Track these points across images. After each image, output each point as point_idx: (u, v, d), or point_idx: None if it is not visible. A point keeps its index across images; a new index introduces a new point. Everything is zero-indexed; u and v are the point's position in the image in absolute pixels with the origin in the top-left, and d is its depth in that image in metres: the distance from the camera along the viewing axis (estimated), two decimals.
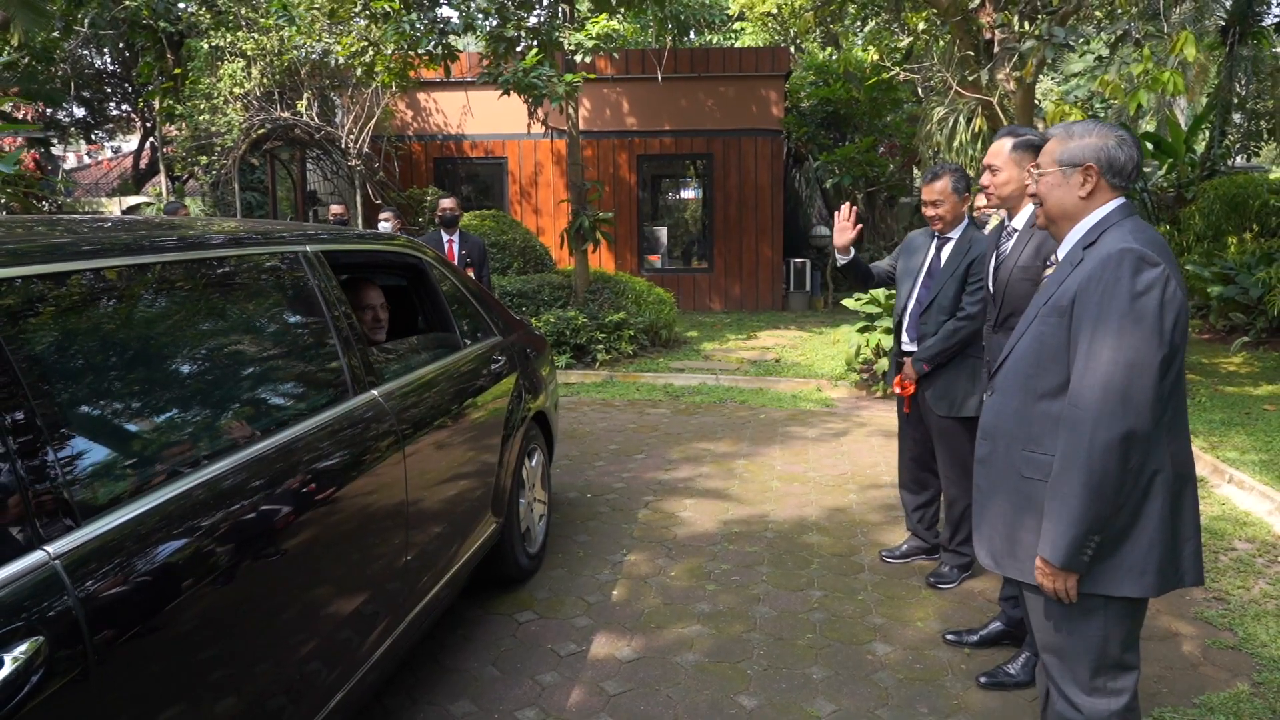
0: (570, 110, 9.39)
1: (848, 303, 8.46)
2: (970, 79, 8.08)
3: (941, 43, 9.87)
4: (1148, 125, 12.72)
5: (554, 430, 4.45)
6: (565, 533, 4.43)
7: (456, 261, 7.67)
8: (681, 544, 4.26)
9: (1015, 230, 2.99)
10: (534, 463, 4.00)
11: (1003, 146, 2.93)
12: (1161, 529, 1.90)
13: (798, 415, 7.21)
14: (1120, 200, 1.99)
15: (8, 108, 11.74)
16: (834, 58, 15.09)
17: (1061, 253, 2.06)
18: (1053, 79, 16.70)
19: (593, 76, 9.50)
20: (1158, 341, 1.80)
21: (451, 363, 3.26)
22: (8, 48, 11.17)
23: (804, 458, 5.86)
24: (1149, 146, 6.90)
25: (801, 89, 14.99)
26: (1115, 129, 2.00)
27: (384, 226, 7.51)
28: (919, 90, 14.59)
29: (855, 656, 3.14)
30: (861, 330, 7.96)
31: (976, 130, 10.79)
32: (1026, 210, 2.94)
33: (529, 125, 10.25)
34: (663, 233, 14.52)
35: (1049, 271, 2.17)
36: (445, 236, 7.35)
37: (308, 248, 2.56)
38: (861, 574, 3.89)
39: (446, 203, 7.30)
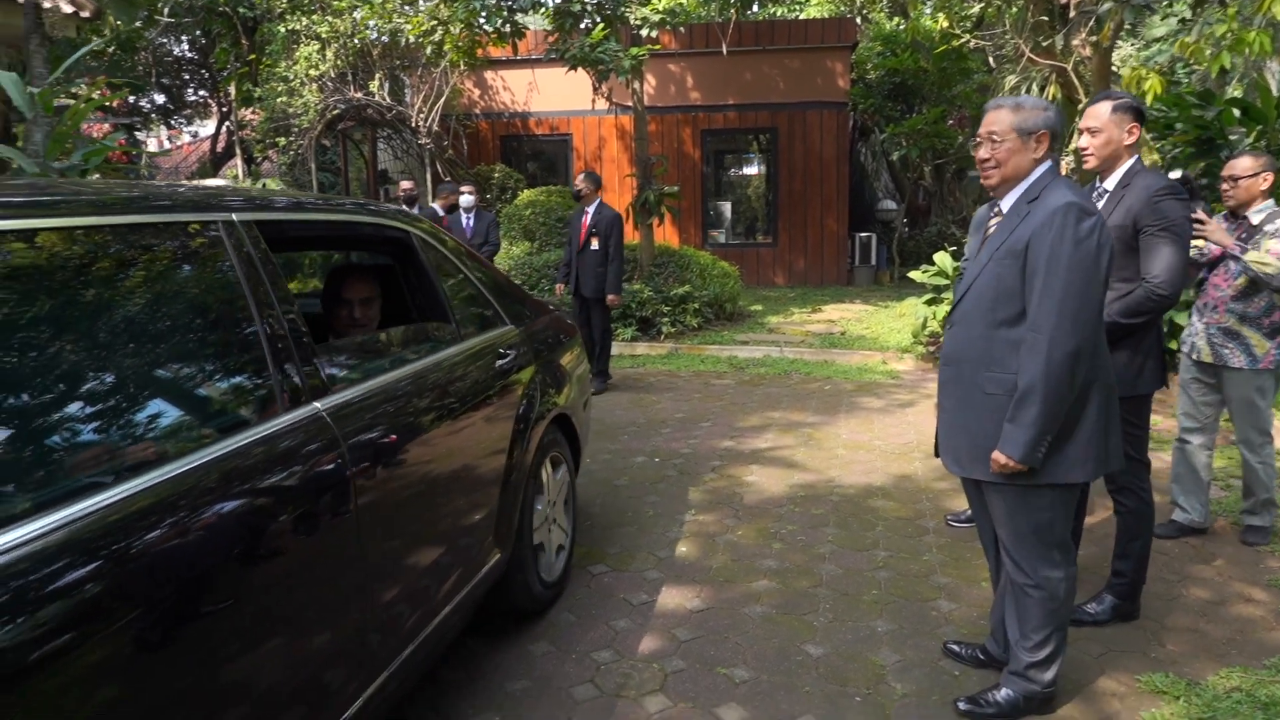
0: (635, 85, 9.46)
1: (914, 275, 8.39)
2: (1044, 45, 7.90)
3: (1014, 8, 9.64)
4: (1234, 91, 12.20)
5: (582, 433, 3.79)
6: (635, 494, 4.56)
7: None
8: (748, 506, 4.36)
9: (1106, 191, 2.98)
10: (554, 475, 3.39)
11: (1103, 109, 2.93)
12: (1096, 427, 2.35)
13: (863, 386, 7.22)
14: (1050, 162, 2.39)
15: (96, 95, 12.29)
16: (901, 27, 14.80)
17: (1005, 206, 2.44)
18: (1133, 44, 16.13)
19: (658, 48, 9.55)
20: (1096, 277, 2.24)
21: (438, 362, 2.60)
22: (96, 38, 11.69)
23: (870, 427, 5.88)
24: (1235, 113, 6.65)
25: (868, 60, 14.76)
26: (1049, 104, 2.39)
27: (465, 201, 7.70)
28: (990, 59, 14.24)
29: (920, 612, 3.20)
30: (928, 302, 7.90)
31: (1051, 98, 10.52)
32: (1119, 171, 2.93)
33: (594, 101, 10.37)
34: (727, 207, 14.52)
35: (994, 221, 2.49)
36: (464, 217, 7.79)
37: (234, 216, 1.97)
38: (926, 536, 3.94)
39: (465, 189, 8.08)
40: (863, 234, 14.10)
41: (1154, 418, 5.91)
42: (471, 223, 7.69)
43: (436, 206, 7.45)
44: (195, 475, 1.58)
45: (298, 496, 1.79)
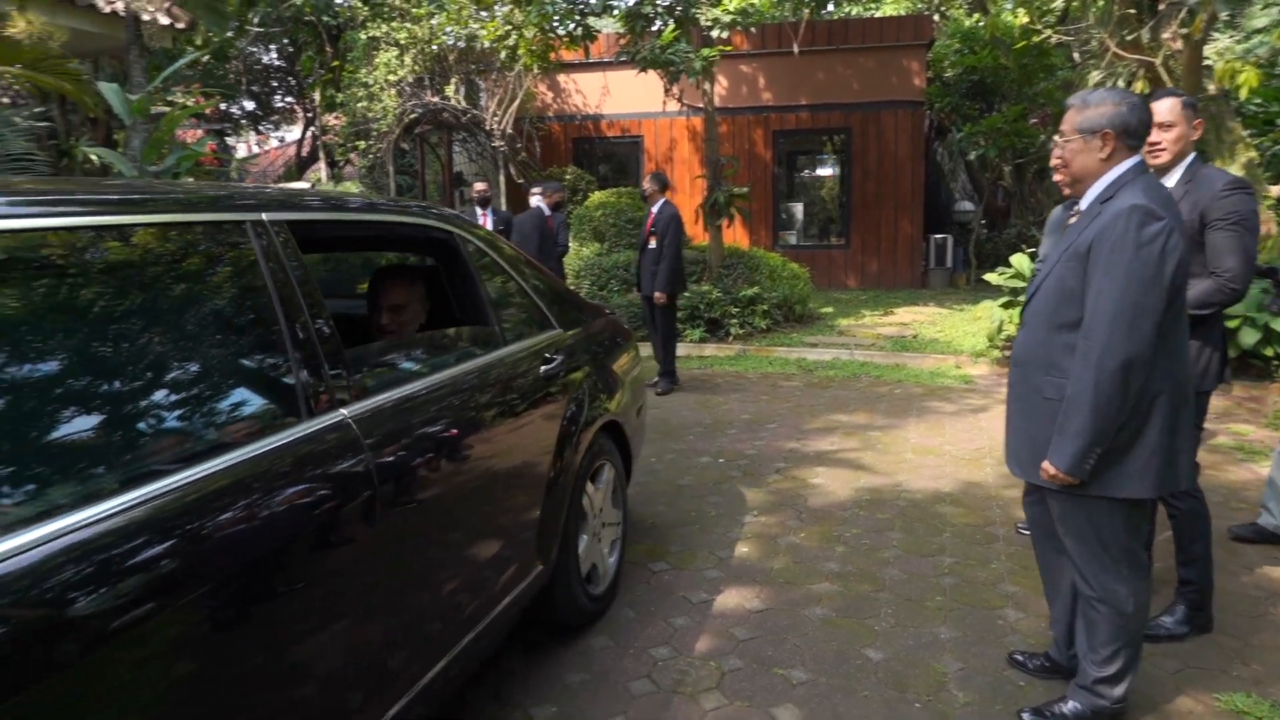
0: (706, 86, 9.46)
1: (990, 277, 8.19)
2: (1130, 39, 7.63)
3: (1100, 1, 9.32)
4: None
5: (634, 442, 3.63)
6: (698, 494, 4.57)
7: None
8: (812, 509, 4.33)
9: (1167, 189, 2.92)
10: (601, 483, 3.25)
11: (1175, 104, 2.91)
12: (1161, 442, 2.24)
13: (935, 391, 7.08)
14: (1134, 160, 2.27)
15: (191, 103, 12.88)
16: (981, 23, 14.45)
17: (1083, 205, 2.34)
18: (1231, 37, 15.43)
19: (730, 49, 9.53)
20: (1157, 285, 2.13)
21: (478, 367, 2.50)
22: (190, 48, 12.24)
23: (940, 432, 5.77)
24: None
25: (945, 57, 14.45)
26: (1127, 95, 2.27)
27: (534, 201, 7.81)
28: (1074, 55, 13.80)
29: (985, 620, 3.14)
30: (1004, 305, 7.71)
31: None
32: (1180, 168, 2.91)
33: (664, 103, 10.42)
34: (798, 209, 14.40)
35: (1072, 220, 2.40)
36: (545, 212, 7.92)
37: (264, 215, 1.91)
38: (995, 544, 3.85)
39: (479, 185, 8.57)
40: (938, 236, 13.82)
41: (1245, 427, 5.65)
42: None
43: (542, 204, 7.52)
44: (203, 484, 1.49)
45: (315, 507, 1.70)
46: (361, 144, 12.53)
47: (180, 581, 1.39)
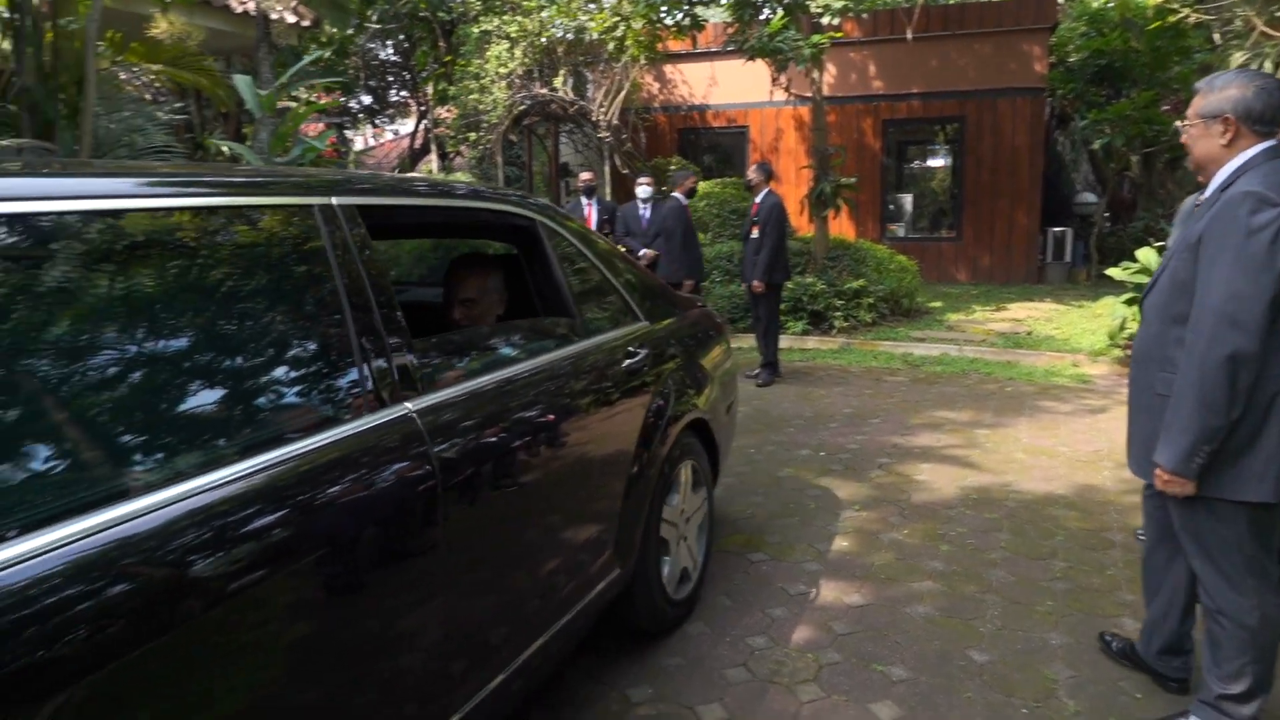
0: (815, 75, 9.30)
1: (1113, 272, 7.79)
2: None
3: None
4: None
5: (721, 440, 3.45)
6: (798, 486, 4.52)
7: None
8: (916, 505, 4.22)
9: None
10: (686, 484, 3.10)
11: None
12: None
13: (1049, 390, 6.79)
14: (1264, 145, 2.15)
15: (314, 99, 13.48)
16: (1110, 4, 13.70)
17: (1206, 194, 2.26)
18: None
19: (840, 35, 9.33)
20: (1267, 274, 2.01)
21: (554, 360, 2.38)
22: (314, 45, 12.80)
23: (1054, 432, 5.53)
24: None
25: (1069, 41, 13.77)
26: (1256, 77, 2.16)
27: (643, 192, 7.85)
28: (1214, 35, 12.94)
29: (1100, 629, 2.99)
30: (1128, 302, 7.32)
31: None
32: None
33: (771, 92, 10.31)
34: (907, 200, 14.01)
35: (1196, 209, 2.32)
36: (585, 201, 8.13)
37: (333, 200, 1.82)
38: (1112, 550, 3.67)
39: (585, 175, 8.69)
40: (1057, 229, 13.22)
41: None
42: (648, 213, 7.84)
43: (679, 196, 7.54)
44: (254, 479, 1.41)
45: (373, 506, 1.62)
46: (472, 135, 12.86)
47: (221, 584, 1.30)
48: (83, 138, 5.23)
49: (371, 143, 27.82)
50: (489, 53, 12.16)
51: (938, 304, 10.70)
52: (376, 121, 23.54)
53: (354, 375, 1.70)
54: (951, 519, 4.04)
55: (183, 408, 1.39)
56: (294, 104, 9.13)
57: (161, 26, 8.20)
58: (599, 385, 2.54)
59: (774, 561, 3.58)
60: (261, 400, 1.53)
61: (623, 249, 7.82)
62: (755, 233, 6.94)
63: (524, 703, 2.33)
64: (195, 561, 1.28)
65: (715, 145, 14.63)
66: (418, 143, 20.77)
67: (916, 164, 14.52)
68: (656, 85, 14.17)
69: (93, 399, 1.28)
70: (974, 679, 2.69)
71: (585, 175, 8.57)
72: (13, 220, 1.27)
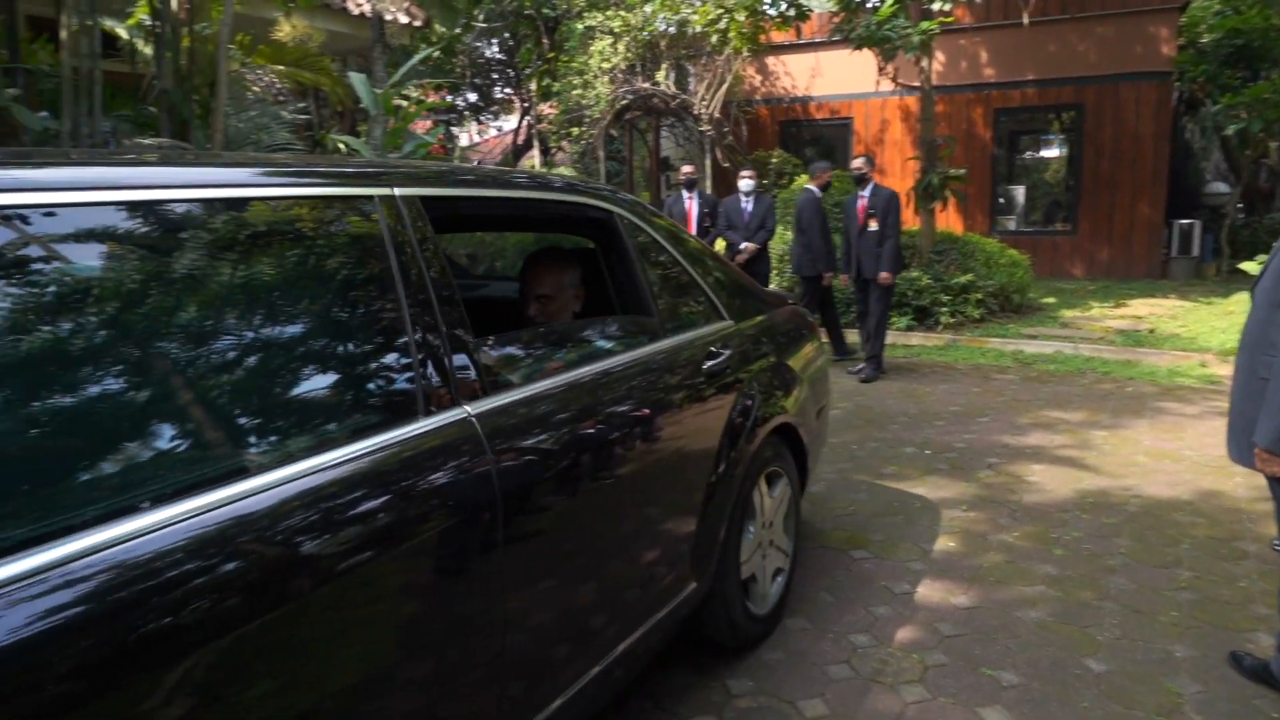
0: (924, 63, 9.05)
1: (1247, 266, 7.32)
2: None
3: None
4: None
5: (810, 446, 3.24)
6: (902, 484, 4.43)
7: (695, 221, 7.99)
8: (1027, 507, 4.07)
9: None
10: (770, 493, 2.92)
11: None
12: None
13: (1173, 390, 6.44)
14: None
15: (425, 98, 13.92)
16: None
17: None
18: None
19: (950, 20, 9.04)
20: None
21: (629, 361, 2.25)
22: (424, 45, 13.20)
23: (1179, 435, 5.24)
24: None
25: (1201, 21, 12.96)
26: None
27: (745, 185, 7.81)
28: None
29: (1230, 643, 2.83)
30: None
31: None
32: None
33: (877, 82, 10.07)
34: (1019, 192, 13.48)
35: None
36: (685, 195, 8.05)
37: (395, 190, 1.73)
38: (1244, 561, 3.46)
39: (687, 168, 8.50)
40: (1183, 221, 12.48)
41: None
42: (750, 207, 7.78)
43: (813, 187, 7.47)
44: (301, 484, 1.33)
45: (425, 516, 1.52)
46: (575, 130, 13.02)
47: (246, 604, 1.22)
48: (214, 136, 5.54)
49: (476, 139, 28.52)
50: (592, 48, 12.29)
51: (1051, 300, 10.27)
52: (481, 118, 24.13)
53: (409, 376, 1.60)
54: (1066, 522, 3.88)
55: (227, 415, 1.32)
56: (405, 102, 9.44)
57: (285, 30, 8.60)
58: (676, 387, 2.38)
59: (877, 559, 3.52)
60: (305, 403, 1.43)
61: (724, 243, 7.88)
62: (873, 225, 6.84)
63: (622, 692, 2.35)
64: (222, 570, 1.21)
65: (818, 137, 14.40)
66: (520, 138, 21.18)
67: (1029, 155, 13.94)
68: (758, 77, 14.05)
69: (199, 383, 1.29)
70: (1090, 689, 2.58)
71: (687, 168, 8.56)
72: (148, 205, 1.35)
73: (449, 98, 19.56)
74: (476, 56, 20.09)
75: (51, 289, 1.19)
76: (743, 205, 7.82)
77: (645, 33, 11.98)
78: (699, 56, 12.41)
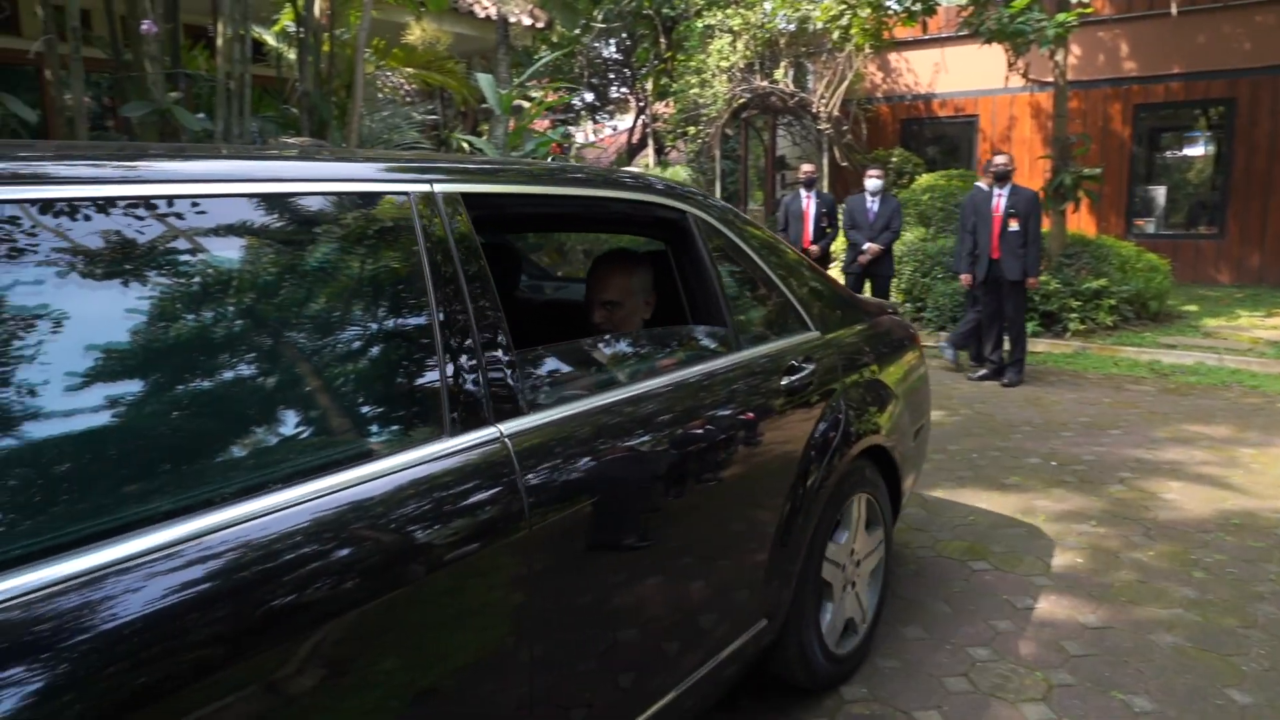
0: (1058, 58, 8.65)
1: None
2: None
3: None
4: None
5: (905, 470, 2.94)
6: (1025, 495, 4.25)
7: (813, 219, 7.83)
8: (1162, 525, 3.85)
9: None
10: (856, 521, 2.65)
11: None
12: None
13: None
14: None
15: (547, 98, 14.23)
16: None
17: None
18: None
19: (1089, 12, 8.60)
20: None
21: (695, 376, 2.04)
22: (545, 46, 13.48)
23: None
24: None
25: None
26: None
27: (872, 185, 7.65)
28: None
29: None
30: None
31: None
32: None
33: (1006, 78, 9.69)
34: (1159, 193, 12.70)
35: None
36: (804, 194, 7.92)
37: (433, 186, 1.59)
38: None
39: (807, 167, 8.34)
40: None
41: None
42: (876, 206, 7.62)
43: (982, 185, 7.22)
44: (308, 510, 1.22)
45: (445, 545, 1.36)
46: (691, 130, 13.05)
47: (235, 636, 1.11)
48: (350, 136, 5.82)
49: (592, 138, 28.93)
50: (711, 46, 12.29)
51: (1192, 308, 9.64)
52: (597, 117, 24.46)
53: (435, 390, 1.45)
54: (1206, 544, 3.65)
55: (238, 430, 1.23)
56: (527, 102, 9.68)
57: (415, 34, 8.95)
58: (748, 406, 2.15)
59: (998, 572, 3.40)
60: (302, 420, 1.29)
61: (842, 242, 7.75)
62: (1013, 225, 6.58)
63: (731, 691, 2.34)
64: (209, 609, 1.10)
65: (940, 135, 13.96)
66: (635, 138, 21.37)
67: (1171, 153, 13.11)
68: (880, 74, 13.73)
69: (222, 410, 1.21)
70: None
71: (806, 167, 8.45)
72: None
73: (566, 97, 19.93)
74: (594, 56, 20.39)
75: (196, 280, 1.23)
76: (868, 204, 7.65)
77: (765, 30, 11.89)
78: (819, 54, 12.23)
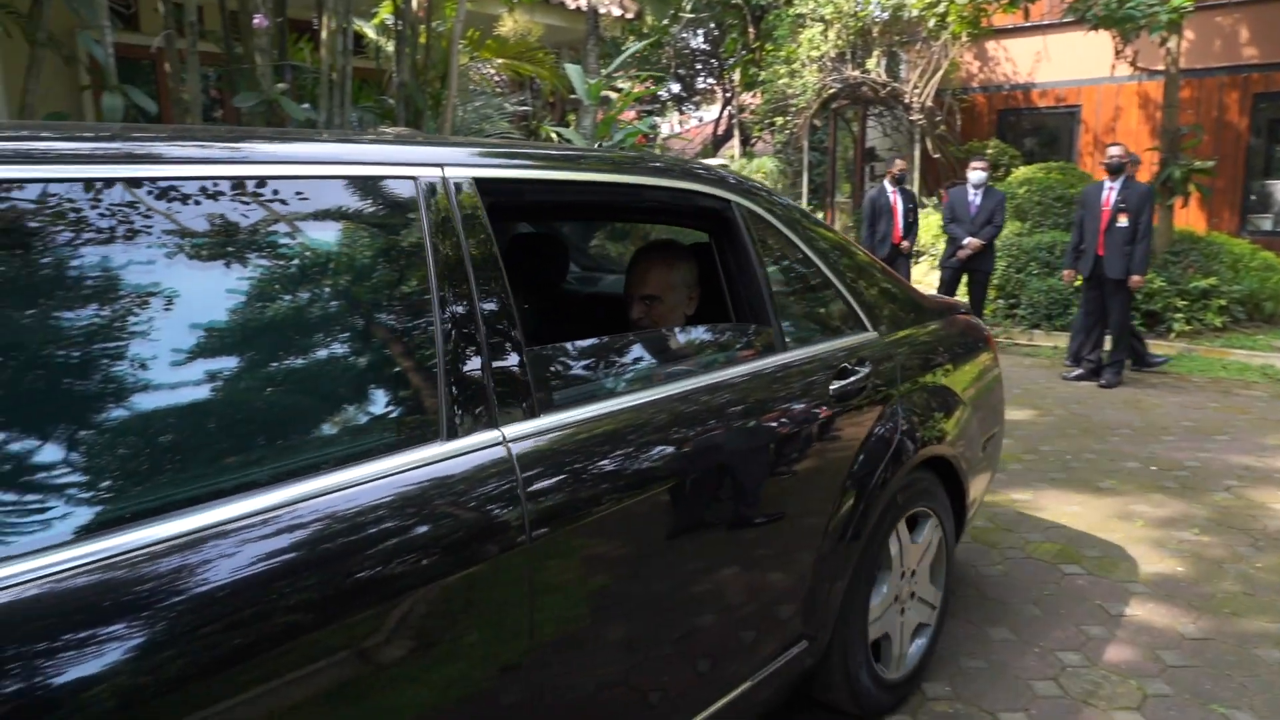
0: (1170, 44, 8.25)
1: None
2: None
3: None
4: None
5: (970, 483, 2.70)
6: (1122, 500, 4.10)
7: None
8: (1272, 536, 3.66)
9: None
10: (914, 538, 2.46)
11: None
12: None
13: None
14: None
15: (635, 89, 14.26)
16: None
17: None
18: None
19: None
20: None
21: (726, 380, 1.88)
22: (633, 37, 13.52)
23: None
24: None
25: None
26: None
27: (975, 177, 7.44)
28: None
29: None
30: None
31: None
32: None
33: (1113, 66, 9.30)
34: (1278, 188, 11.99)
35: None
36: (971, 191, 7.43)
37: (444, 171, 1.47)
38: None
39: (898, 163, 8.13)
40: None
41: None
42: (979, 200, 7.41)
43: (1108, 182, 6.97)
44: (288, 512, 1.14)
45: (432, 561, 1.25)
46: (778, 120, 12.93)
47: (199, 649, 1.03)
48: (444, 126, 5.96)
49: (677, 129, 28.88)
50: (802, 36, 12.13)
51: None
52: (683, 108, 24.42)
53: (432, 389, 1.34)
54: None
55: (219, 428, 1.15)
56: (615, 94, 9.74)
57: (507, 25, 9.10)
58: (792, 410, 2.00)
59: (1091, 577, 3.29)
60: (287, 419, 1.21)
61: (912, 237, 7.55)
62: (1122, 221, 6.29)
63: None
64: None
65: (1039, 127, 13.46)
66: (721, 129, 21.27)
67: None
68: (977, 64, 13.32)
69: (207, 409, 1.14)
70: None
71: (899, 163, 8.28)
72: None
73: (653, 88, 19.95)
74: (681, 47, 20.35)
75: (295, 263, 1.27)
76: (970, 197, 7.43)
77: (858, 19, 11.67)
78: (913, 42, 11.95)
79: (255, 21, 4.12)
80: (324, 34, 4.80)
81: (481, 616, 1.32)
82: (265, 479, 1.14)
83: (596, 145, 6.88)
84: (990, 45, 13.04)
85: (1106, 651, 2.75)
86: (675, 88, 22.35)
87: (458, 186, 1.48)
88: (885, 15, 11.65)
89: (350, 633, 1.16)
